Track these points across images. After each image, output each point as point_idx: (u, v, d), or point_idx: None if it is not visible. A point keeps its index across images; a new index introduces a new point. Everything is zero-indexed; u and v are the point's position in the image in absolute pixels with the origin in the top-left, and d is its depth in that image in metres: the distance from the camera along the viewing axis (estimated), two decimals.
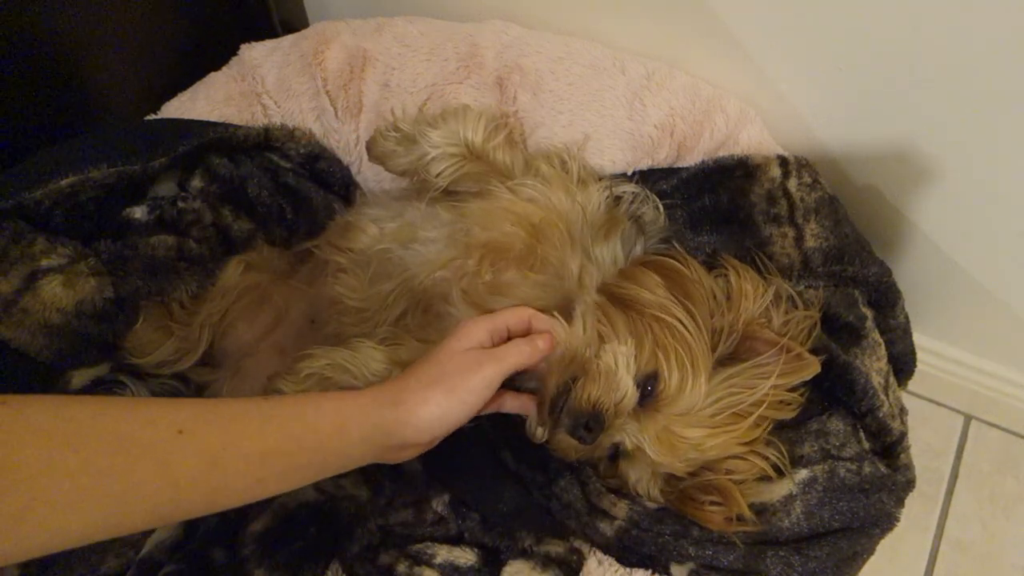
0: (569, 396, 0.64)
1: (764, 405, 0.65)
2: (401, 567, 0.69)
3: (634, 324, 0.66)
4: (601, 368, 0.64)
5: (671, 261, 0.71)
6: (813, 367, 0.68)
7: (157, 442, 0.48)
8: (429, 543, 0.71)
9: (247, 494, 0.53)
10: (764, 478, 0.68)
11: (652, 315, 0.66)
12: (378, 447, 0.58)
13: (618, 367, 0.64)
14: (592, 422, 0.63)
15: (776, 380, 0.66)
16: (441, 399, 0.59)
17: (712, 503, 0.67)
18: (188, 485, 0.49)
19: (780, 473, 0.68)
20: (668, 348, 0.65)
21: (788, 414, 0.69)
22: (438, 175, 0.78)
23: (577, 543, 0.72)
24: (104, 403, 0.50)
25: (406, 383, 0.60)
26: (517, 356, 0.64)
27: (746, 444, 0.66)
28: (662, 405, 0.65)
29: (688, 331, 0.66)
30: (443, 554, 0.69)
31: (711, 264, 0.76)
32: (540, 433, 0.67)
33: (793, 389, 0.69)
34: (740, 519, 0.66)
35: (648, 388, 0.65)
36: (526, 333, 0.67)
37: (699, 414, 0.65)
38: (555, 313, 0.68)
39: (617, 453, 0.68)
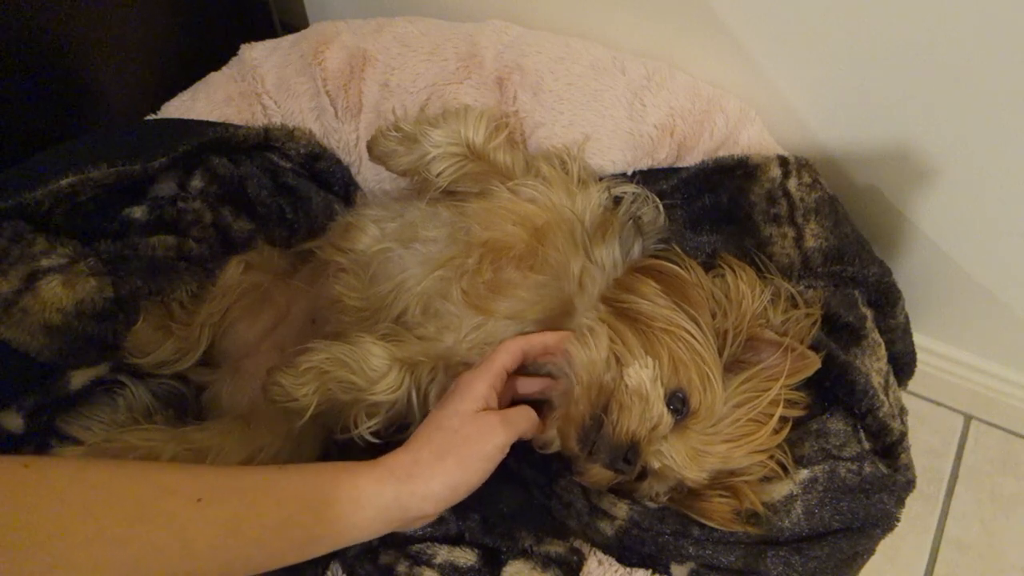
0: (602, 429, 0.62)
1: (780, 406, 0.65)
2: (401, 567, 0.69)
3: (647, 340, 0.65)
4: (631, 395, 0.62)
5: (669, 265, 0.71)
6: (814, 364, 0.68)
7: (176, 511, 0.48)
8: (429, 543, 0.71)
9: (264, 563, 0.53)
10: (766, 477, 0.68)
11: (661, 328, 0.65)
12: (393, 520, 0.59)
13: (649, 392, 0.62)
14: (630, 454, 0.62)
15: (785, 380, 0.65)
16: (455, 471, 0.59)
17: (720, 496, 0.67)
18: (205, 554, 0.49)
19: (784, 471, 0.68)
20: (687, 363, 0.64)
21: (799, 412, 0.69)
22: (439, 175, 0.78)
23: (577, 543, 0.72)
24: (123, 469, 0.50)
25: (418, 454, 0.60)
26: (528, 423, 0.65)
27: (767, 450, 0.66)
28: (690, 423, 0.64)
29: (697, 340, 0.65)
30: (443, 554, 0.69)
31: (710, 264, 0.76)
32: (555, 446, 0.67)
33: (796, 388, 0.69)
34: (752, 515, 0.66)
35: (675, 408, 0.64)
36: (522, 365, 0.68)
37: (723, 425, 0.64)
38: (573, 337, 0.67)
39: (643, 473, 0.67)
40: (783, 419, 0.66)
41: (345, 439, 0.73)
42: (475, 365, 0.67)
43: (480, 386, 0.63)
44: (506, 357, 0.66)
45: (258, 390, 0.78)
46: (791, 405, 0.68)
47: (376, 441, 0.72)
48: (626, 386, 0.63)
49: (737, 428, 0.64)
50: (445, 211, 0.78)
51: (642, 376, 0.63)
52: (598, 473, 0.65)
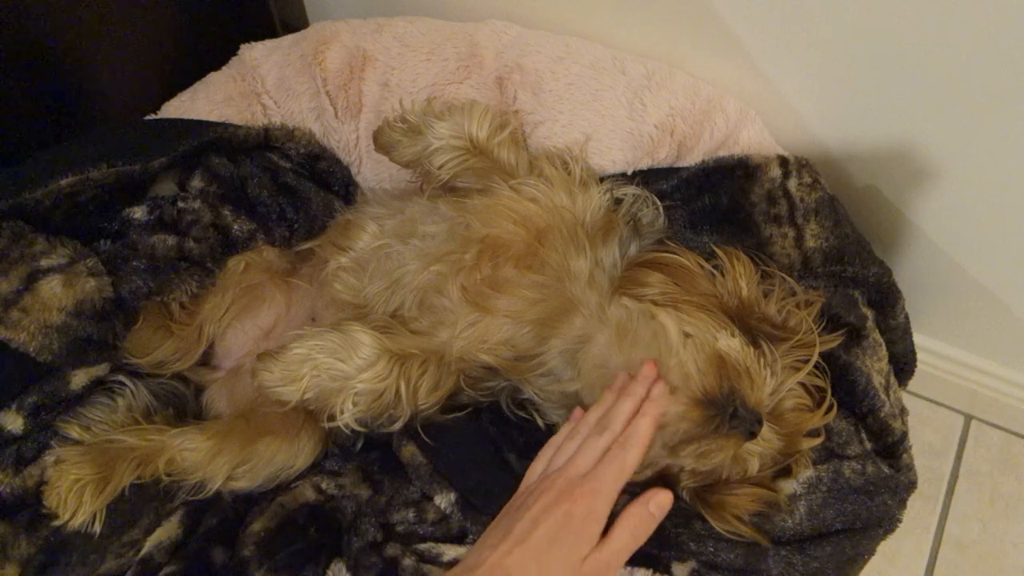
0: (735, 399, 0.62)
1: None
2: (408, 560, 0.69)
3: (713, 318, 0.66)
4: (749, 365, 0.63)
5: (671, 256, 0.71)
6: (834, 339, 0.70)
7: None
8: (434, 543, 0.71)
9: None
10: (777, 474, 0.68)
11: (697, 304, 0.67)
12: None
13: (754, 359, 0.64)
14: (760, 418, 0.62)
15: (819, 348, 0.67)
16: None
17: (744, 488, 0.67)
18: None
19: (788, 471, 0.68)
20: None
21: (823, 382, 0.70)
22: (441, 167, 0.78)
23: None
24: None
25: None
26: (634, 535, 0.59)
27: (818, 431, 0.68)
28: None
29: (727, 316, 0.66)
30: (451, 553, 0.69)
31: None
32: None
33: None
34: (771, 507, 0.67)
35: None
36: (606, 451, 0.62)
37: (781, 392, 0.66)
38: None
39: None
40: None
41: (334, 429, 0.73)
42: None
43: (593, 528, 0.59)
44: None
45: (258, 389, 0.78)
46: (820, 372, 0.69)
47: (362, 430, 0.72)
48: (737, 354, 0.63)
49: (793, 397, 0.66)
50: (445, 207, 0.78)
51: (737, 344, 0.64)
52: (727, 446, 0.63)
